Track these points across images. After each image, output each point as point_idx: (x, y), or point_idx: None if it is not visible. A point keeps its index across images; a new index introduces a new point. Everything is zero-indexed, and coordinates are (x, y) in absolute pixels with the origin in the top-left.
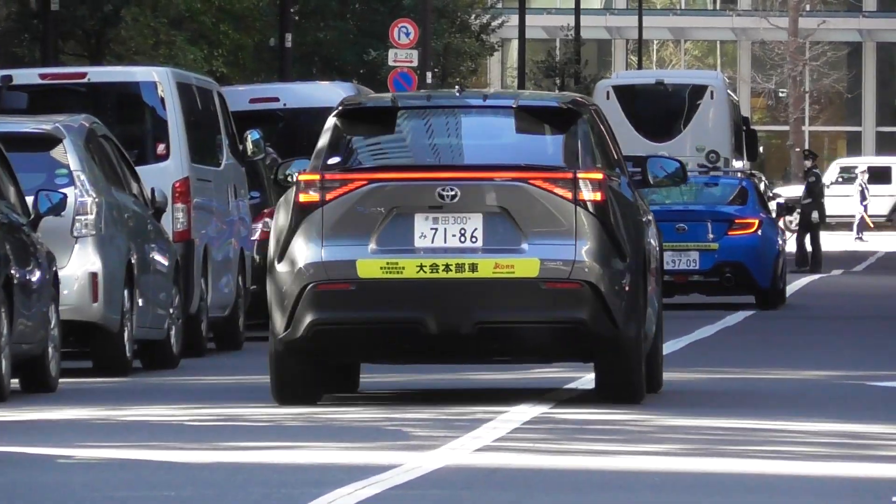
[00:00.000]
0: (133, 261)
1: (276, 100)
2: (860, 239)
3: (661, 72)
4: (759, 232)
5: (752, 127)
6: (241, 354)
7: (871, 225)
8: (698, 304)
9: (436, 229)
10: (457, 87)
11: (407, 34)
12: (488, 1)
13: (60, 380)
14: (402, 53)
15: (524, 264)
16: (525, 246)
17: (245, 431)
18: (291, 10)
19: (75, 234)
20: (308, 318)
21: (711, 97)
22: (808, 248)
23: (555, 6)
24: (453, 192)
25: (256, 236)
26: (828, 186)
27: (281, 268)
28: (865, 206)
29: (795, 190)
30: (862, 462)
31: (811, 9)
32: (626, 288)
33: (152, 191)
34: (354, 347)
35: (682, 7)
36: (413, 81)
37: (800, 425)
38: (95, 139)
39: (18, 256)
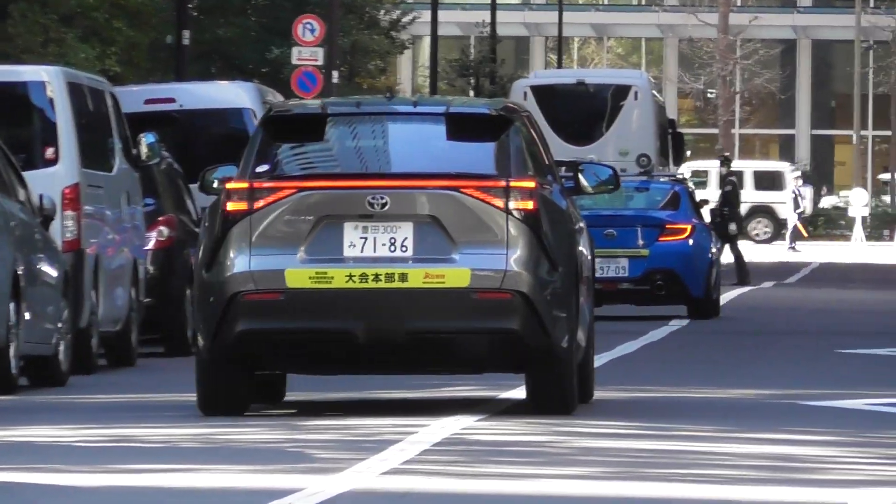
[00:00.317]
0: (19, 272)
1: (173, 101)
2: (793, 249)
3: (582, 71)
4: (692, 238)
5: (678, 130)
6: (133, 371)
7: (805, 234)
8: (624, 316)
9: (365, 238)
10: (387, 93)
11: (312, 31)
12: None
13: None
14: (307, 51)
15: (455, 274)
16: (456, 255)
17: (138, 453)
18: (189, 6)
19: None
20: (236, 328)
21: (636, 98)
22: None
23: (469, 1)
24: (383, 201)
25: (151, 246)
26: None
27: (208, 277)
28: (799, 214)
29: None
30: (794, 486)
31: (742, 4)
32: (558, 297)
33: (40, 197)
34: (283, 358)
35: (605, 2)
36: (318, 81)
37: (728, 447)
38: None
39: None
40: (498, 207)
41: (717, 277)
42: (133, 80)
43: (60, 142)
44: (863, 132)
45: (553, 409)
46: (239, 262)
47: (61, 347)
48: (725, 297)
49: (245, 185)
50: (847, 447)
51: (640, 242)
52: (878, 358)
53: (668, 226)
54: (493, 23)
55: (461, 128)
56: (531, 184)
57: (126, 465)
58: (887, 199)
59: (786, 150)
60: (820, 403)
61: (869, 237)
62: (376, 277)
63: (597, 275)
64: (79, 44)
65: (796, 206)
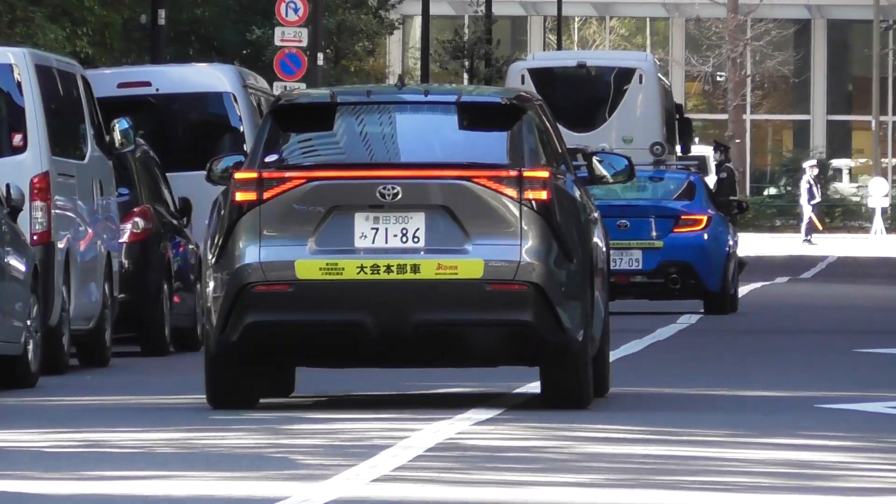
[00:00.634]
0: None
1: (148, 84)
2: (809, 242)
3: (583, 53)
4: (708, 230)
5: (686, 115)
6: (107, 372)
7: (821, 226)
8: (631, 311)
9: (377, 229)
10: (397, 81)
11: (295, 10)
12: None
13: None
14: (290, 32)
15: (468, 265)
16: (469, 246)
17: (111, 459)
18: None
19: None
20: (245, 320)
21: (640, 82)
22: None
23: None
24: (395, 191)
25: (125, 238)
26: None
27: (217, 268)
28: (814, 206)
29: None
30: (811, 494)
31: None
32: (572, 289)
33: (7, 187)
34: (292, 350)
35: None
36: (302, 64)
37: (740, 452)
38: None
39: None
40: (511, 197)
41: (735, 271)
42: (106, 62)
43: (29, 128)
44: (882, 118)
45: (568, 404)
46: (248, 253)
47: (30, 346)
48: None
49: (254, 175)
50: (868, 453)
51: (654, 234)
52: None
53: (683, 217)
54: (488, 1)
55: (473, 117)
56: (545, 173)
57: (99, 472)
58: None
59: (800, 136)
60: (838, 406)
61: (889, 229)
62: (388, 269)
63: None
64: (48, 24)
65: (811, 196)
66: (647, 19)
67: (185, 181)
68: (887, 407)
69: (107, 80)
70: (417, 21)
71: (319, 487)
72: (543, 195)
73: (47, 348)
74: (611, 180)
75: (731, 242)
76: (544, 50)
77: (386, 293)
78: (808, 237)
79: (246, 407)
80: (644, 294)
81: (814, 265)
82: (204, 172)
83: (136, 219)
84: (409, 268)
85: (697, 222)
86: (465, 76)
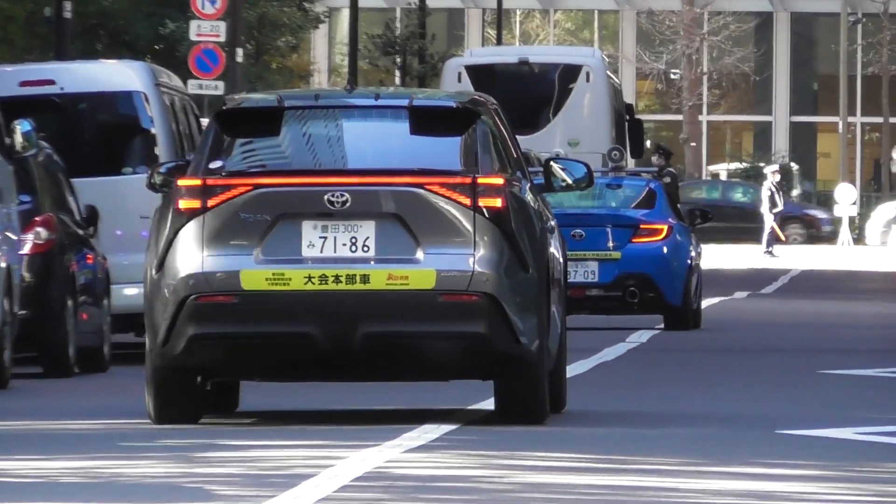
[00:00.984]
0: None
1: (53, 83)
2: (770, 254)
3: (525, 48)
4: (669, 240)
5: (637, 116)
6: (6, 394)
7: (783, 237)
8: (581, 327)
9: (325, 238)
10: (347, 84)
11: (213, 3)
12: None
13: None
14: (207, 26)
15: (419, 275)
16: (420, 256)
17: (10, 489)
18: None
19: None
20: (188, 332)
21: (587, 80)
22: None
23: None
24: (344, 199)
25: (27, 250)
26: None
27: (159, 278)
28: (776, 215)
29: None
30: None
31: None
32: (528, 300)
33: None
34: (238, 363)
35: None
36: (220, 60)
37: (695, 482)
38: None
39: None
40: (464, 205)
41: (698, 284)
42: (7, 59)
43: None
44: (850, 119)
45: (523, 419)
46: (191, 263)
47: None
48: None
49: (198, 181)
50: (834, 483)
51: (611, 244)
52: (866, 380)
53: (642, 226)
54: None
55: (425, 121)
56: (499, 180)
57: None
58: None
59: (761, 139)
60: (801, 432)
61: (857, 240)
62: (336, 279)
63: None
64: None
65: (773, 205)
66: (596, 12)
67: (91, 188)
68: (855, 433)
69: (8, 78)
70: (345, 14)
71: None
72: (498, 203)
73: None
74: (573, 186)
75: (693, 254)
76: (483, 45)
77: (334, 304)
78: (770, 249)
79: (190, 422)
80: (600, 308)
81: (775, 279)
82: (112, 178)
83: (39, 228)
84: (358, 278)
85: (657, 232)
86: (397, 73)
